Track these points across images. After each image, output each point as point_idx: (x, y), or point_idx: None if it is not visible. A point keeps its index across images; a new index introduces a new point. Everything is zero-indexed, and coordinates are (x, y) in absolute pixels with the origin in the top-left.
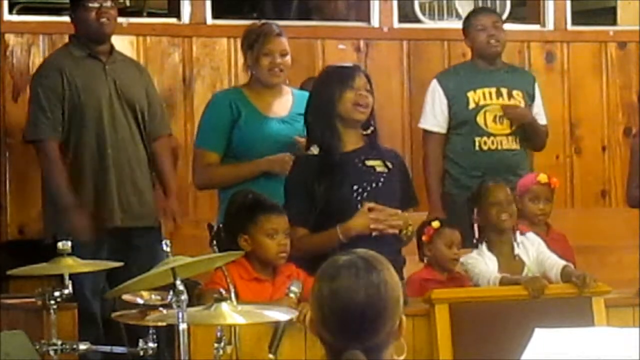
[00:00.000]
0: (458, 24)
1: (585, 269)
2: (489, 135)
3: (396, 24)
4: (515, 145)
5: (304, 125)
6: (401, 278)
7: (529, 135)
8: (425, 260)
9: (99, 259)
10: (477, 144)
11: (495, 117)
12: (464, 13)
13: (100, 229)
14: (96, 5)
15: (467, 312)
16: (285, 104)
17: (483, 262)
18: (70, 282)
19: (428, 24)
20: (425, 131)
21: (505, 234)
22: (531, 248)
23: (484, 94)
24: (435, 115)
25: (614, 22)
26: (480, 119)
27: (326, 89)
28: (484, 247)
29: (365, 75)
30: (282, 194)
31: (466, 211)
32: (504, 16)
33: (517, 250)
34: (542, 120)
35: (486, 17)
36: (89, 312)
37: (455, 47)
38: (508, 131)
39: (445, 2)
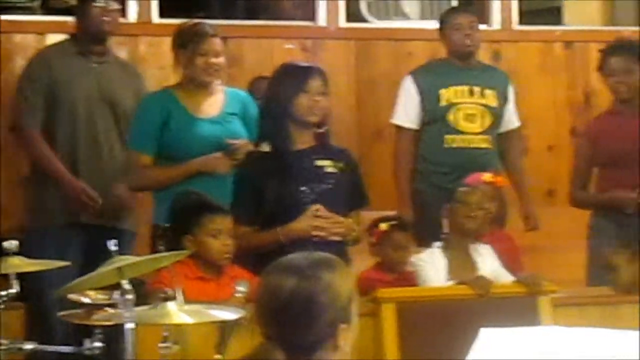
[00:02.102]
0: (405, 24)
1: (532, 269)
2: (459, 133)
3: (343, 24)
4: (485, 145)
5: (257, 121)
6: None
7: None
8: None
9: (68, 255)
10: (446, 141)
11: (466, 115)
12: (410, 13)
13: (68, 223)
14: (102, 4)
15: (413, 311)
16: (217, 103)
17: (432, 266)
18: (17, 281)
19: (375, 23)
20: (398, 127)
21: (466, 236)
22: (489, 261)
23: (456, 92)
24: (407, 111)
25: (560, 22)
26: (451, 117)
27: (280, 89)
28: (436, 247)
29: (321, 76)
30: (220, 193)
31: (435, 207)
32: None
33: (475, 257)
34: (514, 122)
35: (463, 17)
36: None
37: (402, 46)
38: (479, 130)
39: (391, 1)
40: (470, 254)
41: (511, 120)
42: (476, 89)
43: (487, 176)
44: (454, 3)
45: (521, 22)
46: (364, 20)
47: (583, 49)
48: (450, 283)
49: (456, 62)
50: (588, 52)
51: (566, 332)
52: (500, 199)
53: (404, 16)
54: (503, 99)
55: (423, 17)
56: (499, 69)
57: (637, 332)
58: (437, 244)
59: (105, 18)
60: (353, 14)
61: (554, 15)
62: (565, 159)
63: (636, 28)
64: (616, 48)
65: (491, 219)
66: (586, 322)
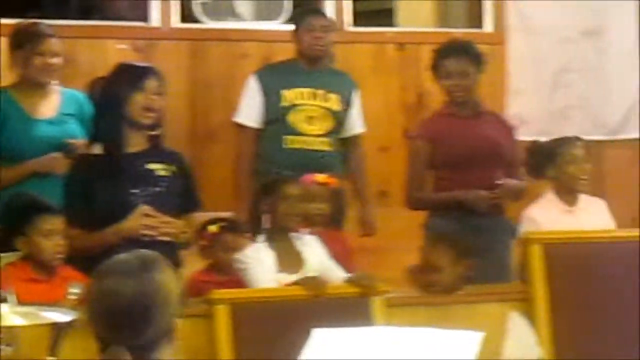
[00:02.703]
0: (238, 25)
1: (365, 269)
2: (299, 134)
3: (177, 24)
4: (325, 147)
5: (92, 122)
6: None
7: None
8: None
9: None
10: (286, 142)
11: (307, 117)
12: (243, 14)
13: None
14: None
15: (248, 312)
16: (53, 104)
17: (258, 261)
18: None
19: (209, 24)
20: (240, 126)
21: (288, 231)
22: (316, 251)
23: (298, 93)
24: (249, 109)
25: (392, 23)
26: (291, 118)
27: (116, 89)
28: (261, 241)
29: (157, 76)
30: (57, 194)
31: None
32: (285, 17)
33: (300, 249)
34: (358, 128)
35: (315, 19)
36: None
37: (236, 47)
38: (319, 132)
39: (226, 2)
40: (295, 245)
41: (355, 125)
42: (320, 92)
43: (320, 177)
44: (287, 4)
45: (354, 24)
46: (198, 21)
47: (416, 50)
48: (281, 275)
49: (303, 64)
50: (421, 54)
51: (399, 332)
52: (336, 201)
53: (238, 17)
54: (347, 103)
55: (257, 18)
56: (347, 74)
57: (469, 332)
58: (261, 238)
59: None
60: (188, 15)
61: (386, 16)
62: (398, 160)
63: (468, 30)
64: (450, 50)
65: (325, 219)
66: (418, 323)
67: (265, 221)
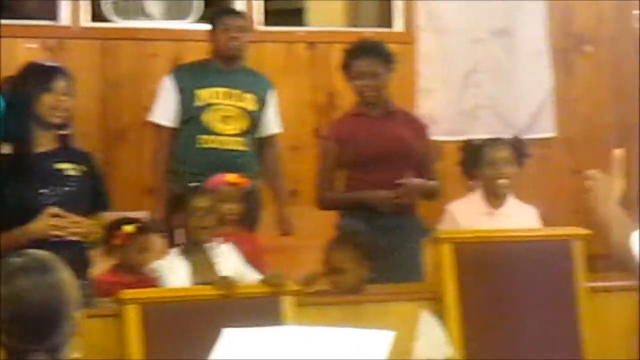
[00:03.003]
0: (148, 24)
1: (275, 268)
2: (214, 134)
3: (87, 23)
4: (241, 147)
5: (0, 121)
6: (86, 279)
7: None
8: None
9: None
10: (201, 141)
11: (222, 117)
12: (153, 13)
13: None
14: None
15: (158, 312)
16: None
17: (172, 272)
18: None
19: (119, 23)
20: (156, 125)
21: (204, 240)
22: (231, 260)
23: (214, 93)
24: (164, 109)
25: (303, 23)
26: (206, 117)
27: (24, 89)
28: (175, 253)
29: (66, 76)
30: None
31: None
32: (195, 16)
33: (215, 259)
34: (274, 128)
35: (232, 20)
36: None
37: (146, 47)
38: (234, 132)
39: (135, 2)
40: (210, 256)
41: (271, 125)
42: (235, 92)
43: (230, 177)
44: (197, 4)
45: (264, 23)
46: (108, 20)
47: (326, 49)
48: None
49: (219, 64)
50: (331, 53)
51: (309, 331)
52: (249, 201)
53: (149, 17)
54: (262, 103)
55: (167, 17)
56: (263, 74)
57: (380, 331)
58: (175, 249)
59: None
60: (98, 14)
61: (297, 16)
62: (308, 159)
63: (379, 29)
64: (360, 50)
65: (236, 220)
66: (329, 322)
67: (178, 236)
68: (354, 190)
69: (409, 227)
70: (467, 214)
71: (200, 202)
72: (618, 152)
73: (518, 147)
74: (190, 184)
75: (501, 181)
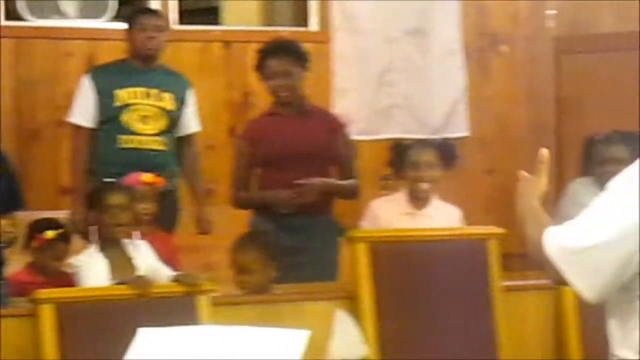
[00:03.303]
0: (63, 23)
1: (191, 268)
2: (133, 133)
3: (1, 22)
4: (160, 146)
5: None
6: (1, 278)
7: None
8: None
9: None
10: (120, 141)
11: (141, 116)
12: (68, 12)
13: None
14: None
15: (74, 312)
16: None
17: (91, 267)
18: None
19: (33, 21)
20: (74, 126)
21: (119, 238)
22: (146, 256)
23: (131, 93)
24: (83, 109)
25: (218, 22)
26: (125, 117)
27: None
28: (93, 249)
29: None
30: None
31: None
32: (110, 15)
33: (132, 254)
34: (193, 127)
35: (149, 19)
36: None
37: (60, 45)
38: (153, 132)
39: (50, 1)
40: (127, 252)
41: (190, 124)
42: (153, 91)
43: (146, 177)
44: (112, 3)
45: (180, 22)
46: (22, 18)
47: (242, 48)
48: (113, 282)
49: (136, 64)
50: (246, 52)
51: (225, 331)
52: (169, 200)
53: (63, 15)
54: (181, 102)
55: (82, 16)
56: (181, 73)
57: (295, 330)
58: (93, 246)
59: None
60: (12, 12)
61: (212, 15)
62: (223, 158)
63: (295, 29)
64: (273, 50)
65: (151, 219)
66: (245, 321)
67: (94, 232)
68: (267, 190)
69: (321, 227)
70: (389, 213)
71: (115, 199)
72: (544, 152)
73: (445, 150)
74: (105, 181)
75: (423, 184)
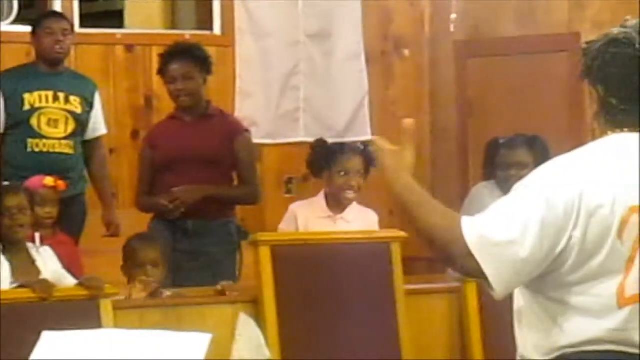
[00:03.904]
0: None
1: (93, 272)
2: (42, 137)
3: None
4: (69, 150)
5: None
6: None
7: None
8: None
9: None
10: (29, 145)
11: (49, 120)
12: None
13: None
14: None
15: None
16: None
17: None
18: None
19: None
20: None
21: (20, 241)
22: (50, 262)
23: (40, 96)
24: None
25: (121, 25)
26: (34, 121)
27: None
28: None
29: None
30: None
31: None
32: (12, 18)
33: (35, 258)
34: (101, 130)
35: (56, 23)
36: None
37: None
38: (62, 135)
39: None
40: (31, 255)
41: (97, 127)
42: (61, 95)
43: (48, 180)
44: (15, 4)
45: (82, 25)
46: None
47: (145, 52)
48: (14, 286)
49: (43, 67)
50: (150, 56)
51: (126, 334)
52: (76, 204)
53: None
54: (88, 106)
55: None
56: (87, 77)
57: (198, 334)
58: None
59: None
60: None
61: (115, 18)
62: (125, 162)
63: (198, 32)
64: (175, 53)
65: (53, 223)
66: (147, 325)
67: None
68: (163, 194)
69: (218, 231)
70: (308, 216)
71: (13, 200)
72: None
73: (368, 157)
74: (3, 184)
75: (349, 193)
